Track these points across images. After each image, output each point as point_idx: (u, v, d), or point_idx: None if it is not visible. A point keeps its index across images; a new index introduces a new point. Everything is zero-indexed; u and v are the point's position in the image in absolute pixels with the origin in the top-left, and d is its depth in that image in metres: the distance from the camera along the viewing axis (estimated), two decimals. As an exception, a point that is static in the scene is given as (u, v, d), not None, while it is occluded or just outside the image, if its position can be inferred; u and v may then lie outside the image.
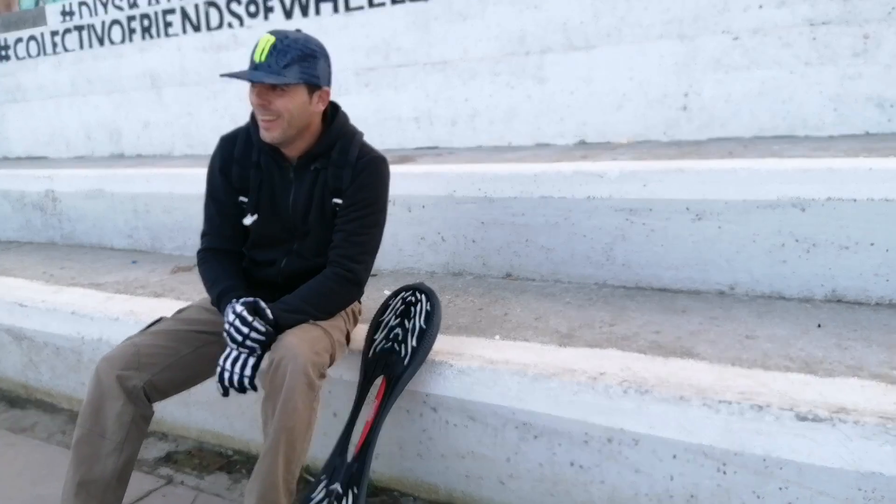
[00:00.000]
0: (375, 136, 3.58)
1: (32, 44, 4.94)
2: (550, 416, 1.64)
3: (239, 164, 1.79)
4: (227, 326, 1.60)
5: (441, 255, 2.58)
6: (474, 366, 1.73)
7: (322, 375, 1.60)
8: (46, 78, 4.90)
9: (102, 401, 1.62)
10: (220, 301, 1.71)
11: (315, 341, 1.61)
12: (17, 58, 5.03)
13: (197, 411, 2.28)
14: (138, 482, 2.03)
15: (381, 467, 1.92)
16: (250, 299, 1.64)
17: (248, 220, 1.81)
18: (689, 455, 1.50)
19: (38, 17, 5.10)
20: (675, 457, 1.52)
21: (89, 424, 1.62)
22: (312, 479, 1.76)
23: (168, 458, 2.19)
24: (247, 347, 1.59)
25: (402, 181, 2.60)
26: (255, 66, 1.62)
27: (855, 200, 1.92)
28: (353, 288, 1.77)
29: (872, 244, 1.92)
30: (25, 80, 5.02)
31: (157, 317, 1.84)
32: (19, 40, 5.00)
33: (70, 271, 3.15)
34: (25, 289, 2.86)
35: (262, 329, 1.59)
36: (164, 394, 1.70)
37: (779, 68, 2.64)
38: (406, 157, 3.00)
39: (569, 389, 1.61)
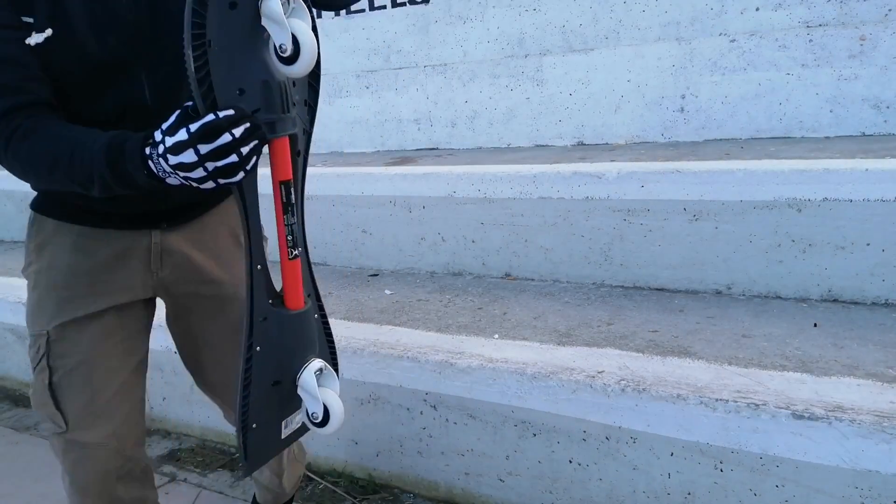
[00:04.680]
0: (376, 138, 3.65)
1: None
2: (549, 414, 1.65)
3: None
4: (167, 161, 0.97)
5: (441, 255, 2.60)
6: (474, 364, 1.74)
7: None
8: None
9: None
10: (118, 149, 1.03)
11: None
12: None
13: (199, 409, 2.29)
14: (141, 480, 2.05)
15: (382, 464, 1.93)
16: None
17: (37, 39, 1.10)
18: (686, 453, 1.51)
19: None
20: (672, 454, 1.53)
21: None
22: (315, 476, 1.78)
23: (171, 456, 2.21)
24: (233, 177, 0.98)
25: (403, 182, 2.62)
26: None
27: (851, 201, 1.93)
28: None
29: (868, 244, 1.93)
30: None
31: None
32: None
33: (72, 272, 3.17)
34: (28, 289, 2.88)
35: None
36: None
37: (775, 70, 2.65)
38: (406, 158, 3.02)
39: (567, 388, 1.62)
